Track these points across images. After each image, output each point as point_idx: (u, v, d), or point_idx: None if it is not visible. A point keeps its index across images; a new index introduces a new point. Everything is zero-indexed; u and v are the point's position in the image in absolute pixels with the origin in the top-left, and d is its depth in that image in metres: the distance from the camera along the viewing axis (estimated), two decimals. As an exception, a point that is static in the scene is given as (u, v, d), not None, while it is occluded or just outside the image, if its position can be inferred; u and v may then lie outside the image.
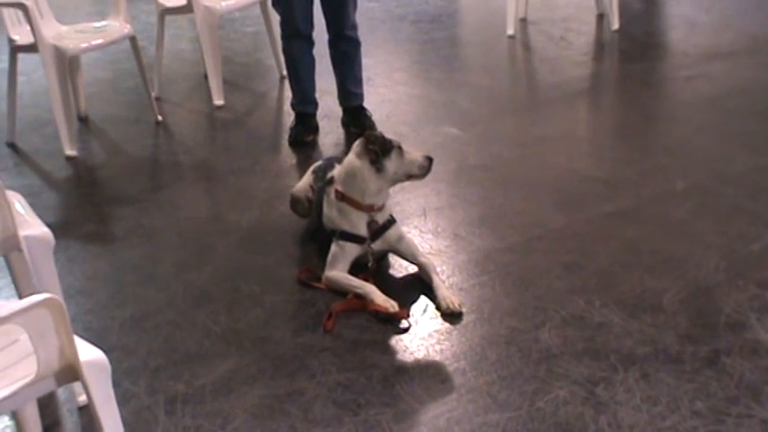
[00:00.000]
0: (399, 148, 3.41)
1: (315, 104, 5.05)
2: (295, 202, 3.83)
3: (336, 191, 3.45)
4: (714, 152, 4.47)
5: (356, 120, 4.98)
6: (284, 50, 4.99)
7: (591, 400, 2.66)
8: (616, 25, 6.66)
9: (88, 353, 2.04)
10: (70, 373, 2.01)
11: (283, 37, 4.92)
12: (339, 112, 5.07)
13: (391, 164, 3.38)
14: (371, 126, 4.83)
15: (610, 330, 3.00)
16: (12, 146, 5.04)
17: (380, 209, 3.43)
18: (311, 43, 4.88)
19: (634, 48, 6.39)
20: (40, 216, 2.83)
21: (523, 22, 7.01)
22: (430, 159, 3.44)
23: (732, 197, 3.97)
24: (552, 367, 2.82)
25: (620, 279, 3.33)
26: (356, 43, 4.94)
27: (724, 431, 2.51)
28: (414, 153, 3.44)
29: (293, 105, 5.00)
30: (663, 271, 3.37)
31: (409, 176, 3.46)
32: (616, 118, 5.24)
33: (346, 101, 5.04)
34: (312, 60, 4.94)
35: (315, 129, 5.00)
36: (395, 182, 3.46)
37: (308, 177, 3.83)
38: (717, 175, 4.20)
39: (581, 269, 3.43)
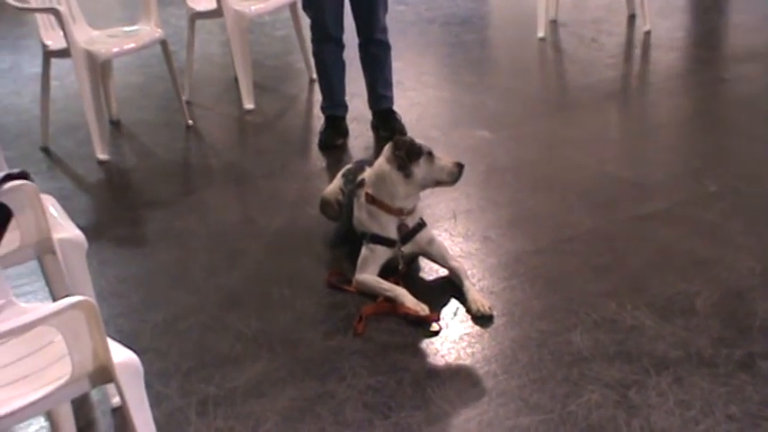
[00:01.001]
0: (429, 153, 3.39)
1: (345, 108, 5.06)
2: (325, 205, 3.84)
3: (367, 194, 3.46)
4: (747, 154, 4.44)
5: (386, 123, 4.97)
6: (314, 54, 5.00)
7: (623, 404, 2.64)
8: (647, 26, 6.62)
9: (121, 355, 2.06)
10: (104, 374, 2.03)
11: (313, 40, 4.93)
12: (369, 115, 5.07)
13: (419, 170, 3.37)
14: (401, 129, 4.83)
15: (642, 333, 2.98)
16: (45, 150, 5.09)
17: (411, 212, 3.43)
18: (341, 47, 4.89)
19: (666, 49, 6.35)
20: (73, 219, 2.85)
21: (554, 23, 6.98)
22: (460, 166, 3.41)
23: (765, 199, 3.94)
24: (584, 370, 2.81)
25: (651, 282, 3.31)
26: (386, 47, 4.94)
27: (759, 436, 2.49)
28: (444, 159, 3.42)
29: (323, 109, 5.02)
30: (695, 274, 3.35)
31: (438, 183, 3.45)
32: (647, 120, 5.20)
33: (376, 104, 5.04)
34: (342, 64, 4.95)
35: (344, 132, 5.01)
36: (424, 187, 3.46)
37: (338, 180, 3.84)
38: (749, 177, 4.16)
39: (612, 272, 3.41)
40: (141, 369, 2.09)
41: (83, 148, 4.99)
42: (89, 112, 4.80)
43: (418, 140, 3.46)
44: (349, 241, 3.62)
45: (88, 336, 1.97)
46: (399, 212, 3.40)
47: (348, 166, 3.87)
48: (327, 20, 4.76)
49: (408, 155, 3.36)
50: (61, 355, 2.05)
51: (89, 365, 2.00)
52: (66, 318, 1.92)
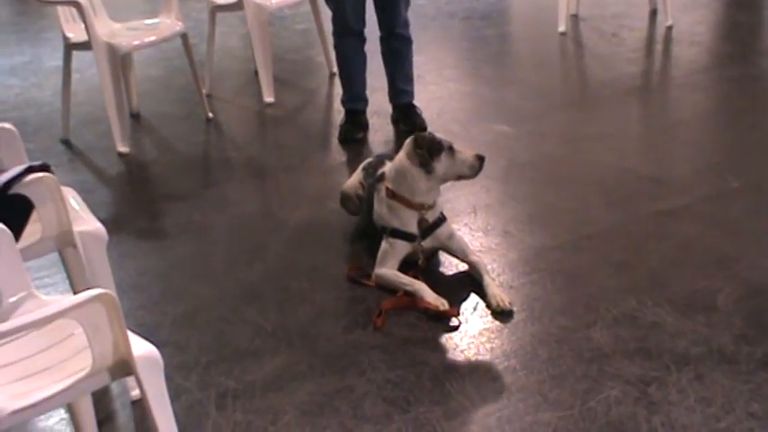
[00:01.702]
0: (450, 148, 3.38)
1: (365, 101, 5.05)
2: (345, 199, 3.83)
3: (387, 188, 3.45)
4: (769, 151, 4.41)
5: (406, 117, 4.96)
6: (335, 47, 4.98)
7: (643, 400, 2.63)
8: (669, 21, 6.58)
9: (141, 348, 2.06)
10: (124, 367, 2.03)
11: (334, 33, 4.92)
12: (389, 109, 5.06)
13: (441, 165, 3.36)
14: (421, 124, 4.83)
15: (663, 330, 2.97)
16: (66, 142, 5.10)
17: (431, 207, 3.42)
18: (363, 40, 4.89)
19: (687, 44, 6.31)
20: (93, 212, 2.86)
21: (575, 18, 6.95)
22: (481, 159, 3.40)
23: (788, 196, 3.91)
24: (604, 366, 2.80)
25: (672, 278, 3.29)
26: (408, 41, 4.92)
27: (780, 434, 2.47)
28: (465, 152, 3.41)
29: (343, 102, 5.01)
30: (716, 270, 3.33)
31: (460, 177, 3.44)
32: (668, 115, 5.18)
33: (396, 98, 5.02)
34: (363, 57, 4.95)
35: (365, 126, 5.00)
36: (445, 181, 3.45)
37: (358, 174, 3.83)
38: (772, 174, 4.13)
39: (632, 268, 3.39)
40: (161, 362, 2.09)
41: (103, 141, 5.00)
42: (110, 105, 4.81)
43: (438, 135, 3.45)
44: (369, 236, 3.61)
45: (108, 328, 1.97)
46: (420, 207, 3.40)
47: (368, 160, 3.87)
48: (348, 13, 4.75)
49: (429, 151, 3.35)
50: (81, 348, 2.05)
51: (109, 358, 2.00)
52: (87, 310, 1.92)
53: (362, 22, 4.83)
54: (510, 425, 2.58)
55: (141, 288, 3.52)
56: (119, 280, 3.44)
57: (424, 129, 4.64)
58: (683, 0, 7.21)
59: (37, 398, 1.92)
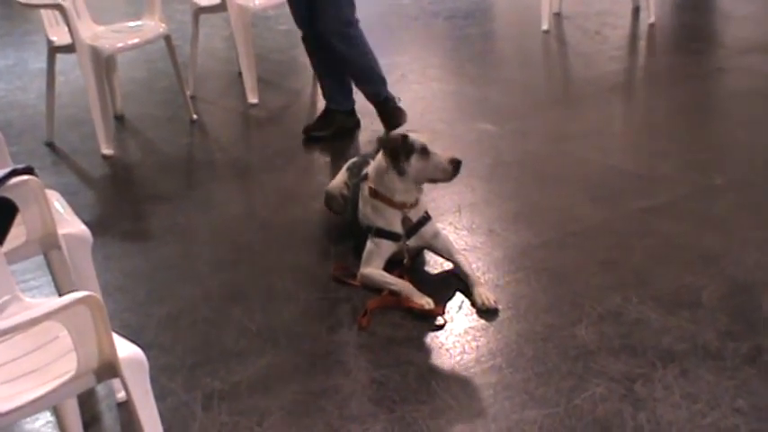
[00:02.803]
0: (423, 150, 3.31)
1: (334, 101, 4.94)
2: (330, 198, 3.83)
3: (370, 188, 3.45)
4: (753, 146, 4.43)
5: (380, 115, 4.89)
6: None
7: (629, 397, 2.64)
8: (652, 18, 6.61)
9: (126, 350, 2.06)
10: (109, 369, 2.03)
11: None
12: (372, 110, 5.04)
13: (412, 168, 3.33)
14: (396, 120, 4.77)
15: (647, 326, 2.98)
16: (50, 145, 5.08)
17: (413, 206, 3.42)
18: (310, 42, 4.84)
19: (670, 41, 6.34)
20: (78, 214, 2.86)
21: (558, 16, 6.97)
22: (455, 163, 3.30)
23: (772, 193, 3.93)
24: (589, 364, 2.80)
25: (657, 275, 3.30)
26: (347, 38, 4.72)
27: (767, 430, 2.48)
28: (440, 155, 3.31)
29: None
30: (701, 267, 3.34)
31: (433, 180, 3.38)
32: (653, 112, 5.20)
33: (366, 97, 4.94)
34: (321, 58, 4.88)
35: (337, 126, 4.91)
36: (419, 183, 3.41)
37: (342, 174, 3.83)
38: (756, 169, 4.15)
39: (617, 265, 3.40)
40: (146, 364, 2.09)
41: (87, 143, 4.98)
42: (94, 108, 4.80)
43: (414, 134, 3.41)
44: (355, 235, 3.61)
45: (93, 331, 1.96)
46: (402, 206, 3.40)
47: (353, 160, 3.87)
48: (294, 13, 4.78)
49: (395, 153, 3.32)
50: (67, 351, 2.04)
51: (94, 361, 2.00)
52: (72, 313, 1.91)
53: (306, 22, 4.74)
54: (496, 423, 2.59)
55: (126, 290, 3.51)
56: (104, 282, 3.43)
57: (397, 126, 4.63)
58: (665, -2, 7.25)
59: (23, 401, 1.92)
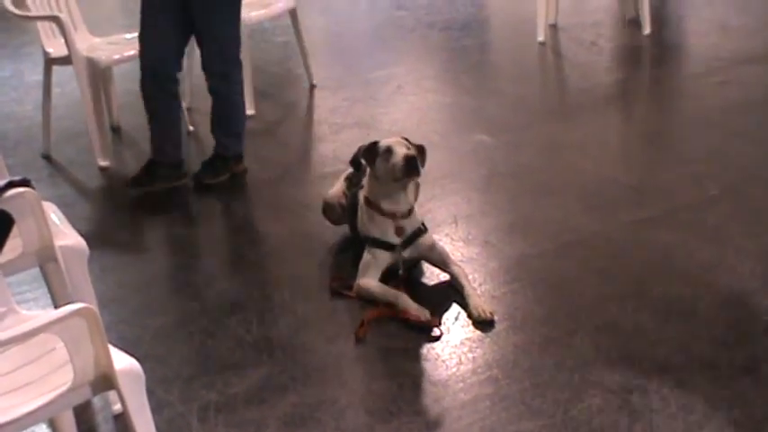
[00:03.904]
0: (388, 149, 3.33)
1: (163, 153, 4.46)
2: (327, 208, 3.83)
3: (364, 197, 3.46)
4: (748, 157, 4.44)
5: (204, 165, 4.48)
6: (142, 91, 4.43)
7: (625, 408, 2.64)
8: (647, 30, 6.62)
9: (122, 362, 2.06)
10: (105, 381, 2.03)
11: (141, 77, 4.41)
12: (368, 120, 5.03)
13: (378, 169, 3.38)
14: (220, 176, 4.43)
15: (644, 337, 2.98)
16: (47, 157, 5.08)
17: (405, 216, 3.42)
18: (171, 84, 4.39)
19: (666, 53, 6.36)
20: (74, 226, 2.86)
21: (554, 28, 6.98)
22: (406, 158, 3.27)
23: (766, 201, 3.93)
24: (586, 375, 2.81)
25: (653, 285, 3.31)
26: (229, 81, 4.39)
27: (761, 439, 2.49)
28: (399, 153, 3.29)
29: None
30: (697, 277, 3.35)
31: (396, 179, 3.34)
32: (648, 124, 5.21)
33: (216, 146, 4.54)
34: (176, 107, 4.52)
35: (159, 177, 4.42)
36: (389, 184, 3.36)
37: (340, 184, 3.84)
38: (751, 179, 4.17)
39: (613, 276, 3.41)
40: (143, 376, 2.09)
41: (84, 155, 4.99)
42: (90, 119, 4.80)
43: (388, 140, 3.40)
44: (353, 246, 3.62)
45: (89, 343, 1.96)
46: (392, 216, 3.40)
47: (351, 170, 3.87)
48: (151, 51, 4.30)
49: (366, 156, 3.40)
50: (63, 363, 2.04)
51: (91, 373, 2.00)
52: (68, 325, 1.92)
53: (170, 61, 4.31)
54: (492, 434, 2.59)
55: (123, 301, 3.51)
56: (100, 293, 3.42)
57: (201, 184, 4.39)
58: (659, 8, 7.26)
59: (19, 413, 1.92)
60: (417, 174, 3.33)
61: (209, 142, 4.62)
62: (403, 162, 3.27)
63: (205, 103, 5.43)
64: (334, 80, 6.16)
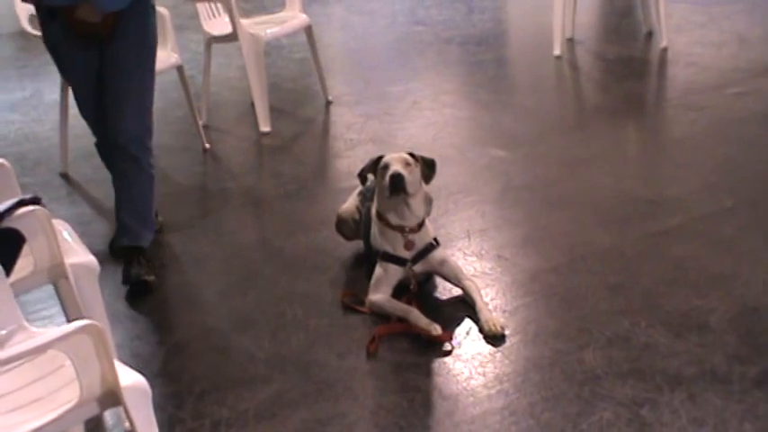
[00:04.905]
0: (385, 166, 3.36)
1: (142, 237, 3.86)
2: (341, 223, 3.84)
3: (376, 211, 3.48)
4: (764, 169, 4.41)
5: (127, 261, 3.75)
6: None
7: (636, 422, 2.63)
8: (664, 42, 6.61)
9: (129, 378, 2.07)
10: (112, 397, 2.05)
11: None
12: (383, 135, 5.04)
13: (378, 183, 3.43)
14: (137, 276, 3.67)
15: (656, 351, 2.97)
16: (64, 176, 5.13)
17: (415, 231, 3.42)
18: (115, 154, 3.82)
19: (683, 65, 6.33)
20: (92, 244, 2.90)
21: (570, 41, 6.99)
22: (392, 177, 3.28)
23: (783, 214, 3.92)
24: (596, 389, 2.80)
25: (666, 299, 3.30)
26: (137, 161, 3.77)
27: (772, 453, 2.47)
28: (392, 170, 3.31)
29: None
30: (710, 289, 3.33)
31: (388, 196, 3.36)
32: (664, 136, 5.19)
33: (118, 235, 3.88)
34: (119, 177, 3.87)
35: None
36: (393, 198, 3.36)
37: (354, 199, 3.85)
38: (767, 191, 4.13)
39: (626, 289, 3.40)
40: (149, 392, 2.11)
41: (101, 174, 4.97)
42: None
43: (391, 155, 3.42)
44: (366, 261, 3.62)
45: (96, 359, 1.98)
46: (401, 230, 3.41)
47: (367, 184, 3.87)
48: (92, 121, 3.87)
49: (369, 170, 3.47)
50: (71, 379, 2.06)
51: (97, 389, 2.02)
52: (74, 342, 1.94)
53: (99, 124, 3.81)
54: (502, 448, 2.59)
55: (137, 318, 3.53)
56: (114, 310, 3.48)
57: (139, 282, 3.68)
58: (678, 21, 7.24)
59: (26, 429, 1.94)
60: (404, 192, 3.32)
61: (226, 157, 4.62)
62: (389, 182, 3.31)
63: (223, 121, 5.46)
64: (351, 96, 6.19)
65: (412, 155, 3.43)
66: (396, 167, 3.32)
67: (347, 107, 5.94)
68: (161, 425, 2.74)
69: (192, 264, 3.95)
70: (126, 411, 2.06)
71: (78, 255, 2.76)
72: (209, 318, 3.47)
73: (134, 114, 3.73)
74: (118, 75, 3.71)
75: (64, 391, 2.09)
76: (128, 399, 2.04)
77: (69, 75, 3.89)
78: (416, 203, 3.41)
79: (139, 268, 3.72)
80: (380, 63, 7.29)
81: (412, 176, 3.35)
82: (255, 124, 5.60)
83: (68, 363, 2.10)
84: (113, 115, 3.72)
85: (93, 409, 2.05)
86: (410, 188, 3.33)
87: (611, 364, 2.91)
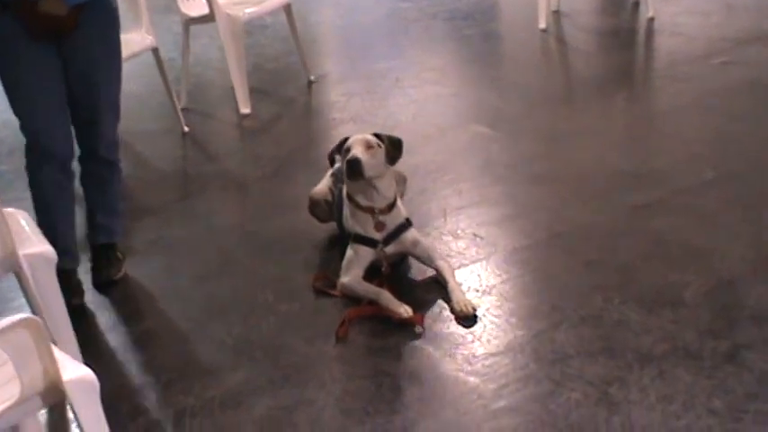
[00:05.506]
0: (347, 149, 3.29)
1: (73, 257, 3.62)
2: (313, 205, 3.79)
3: (346, 192, 3.42)
4: (749, 140, 4.34)
5: (107, 261, 3.70)
6: (30, 180, 3.57)
7: (604, 401, 2.58)
8: (651, 13, 6.51)
9: (73, 372, 2.03)
10: (56, 392, 2.00)
11: (27, 160, 3.58)
12: (365, 115, 4.99)
13: (340, 164, 3.40)
14: (113, 276, 3.68)
15: (628, 328, 2.92)
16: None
17: (384, 211, 3.36)
18: (68, 172, 3.58)
19: (670, 35, 6.24)
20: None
21: (556, 14, 6.89)
22: (349, 162, 3.23)
23: (765, 186, 3.84)
24: (566, 369, 2.75)
25: (641, 274, 3.24)
26: (113, 166, 3.75)
27: (741, 430, 2.41)
28: (351, 153, 3.26)
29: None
30: (687, 264, 3.27)
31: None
32: (650, 108, 5.11)
33: (94, 236, 3.79)
34: (69, 195, 3.63)
35: (77, 290, 3.55)
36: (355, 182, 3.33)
37: (326, 180, 3.80)
38: (750, 163, 4.07)
39: (602, 265, 3.34)
40: (97, 385, 2.06)
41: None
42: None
43: (356, 136, 3.36)
44: (340, 243, 3.57)
45: (36, 354, 1.94)
46: (370, 211, 3.35)
47: (337, 165, 3.81)
48: (41, 127, 3.45)
49: (336, 152, 3.43)
50: (14, 376, 2.02)
51: (39, 384, 1.97)
52: (10, 337, 1.89)
53: (66, 144, 3.52)
54: (468, 432, 2.54)
55: (108, 307, 3.49)
56: (86, 300, 3.44)
57: (109, 282, 3.65)
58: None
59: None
60: (362, 177, 3.24)
61: (205, 140, 4.57)
62: (346, 165, 3.25)
63: (203, 104, 5.40)
64: (334, 74, 6.12)
65: (378, 135, 3.36)
66: (354, 151, 3.26)
67: (330, 86, 5.87)
68: (123, 416, 2.73)
69: (167, 249, 3.91)
70: (70, 406, 2.01)
71: (34, 245, 2.71)
72: (180, 304, 3.43)
73: (107, 112, 3.60)
74: (85, 72, 3.45)
75: (5, 388, 2.04)
76: (71, 393, 2.00)
77: (20, 74, 3.39)
78: (385, 185, 3.34)
79: (109, 268, 3.66)
80: (365, 40, 7.20)
81: (374, 159, 3.27)
82: (236, 106, 5.53)
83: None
84: (87, 121, 3.54)
85: (36, 405, 2.01)
86: (370, 171, 3.25)
87: (583, 343, 2.86)
